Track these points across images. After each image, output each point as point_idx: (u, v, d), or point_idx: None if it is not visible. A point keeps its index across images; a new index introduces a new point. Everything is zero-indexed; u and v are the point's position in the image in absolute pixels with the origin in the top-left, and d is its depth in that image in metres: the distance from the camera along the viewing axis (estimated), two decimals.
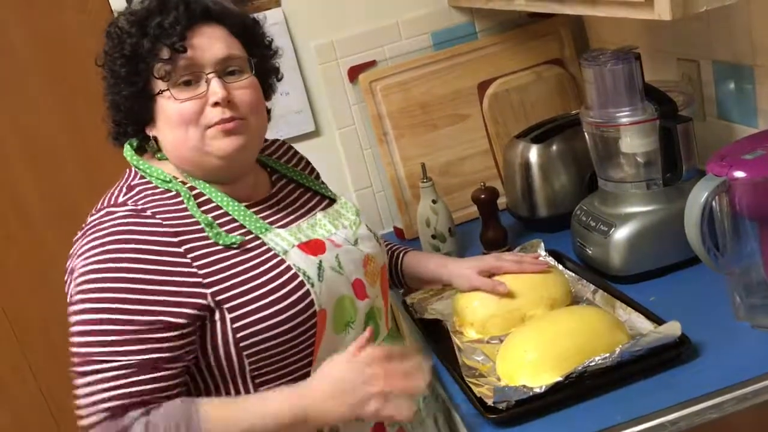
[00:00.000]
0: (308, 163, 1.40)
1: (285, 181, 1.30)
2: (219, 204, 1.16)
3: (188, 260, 1.09)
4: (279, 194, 1.27)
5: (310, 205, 1.28)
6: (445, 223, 1.72)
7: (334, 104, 1.97)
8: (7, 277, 1.91)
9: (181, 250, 1.09)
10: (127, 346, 1.04)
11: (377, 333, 1.23)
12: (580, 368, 1.14)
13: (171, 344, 1.06)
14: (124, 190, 1.15)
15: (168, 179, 1.16)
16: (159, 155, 1.20)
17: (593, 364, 1.14)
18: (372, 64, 1.95)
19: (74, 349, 1.06)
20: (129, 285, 1.05)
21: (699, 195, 1.17)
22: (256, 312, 1.09)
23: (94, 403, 1.04)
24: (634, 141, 1.41)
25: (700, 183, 1.18)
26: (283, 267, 1.12)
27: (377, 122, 1.94)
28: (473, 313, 1.39)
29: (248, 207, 1.19)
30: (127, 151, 1.20)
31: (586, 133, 1.51)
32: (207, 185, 1.17)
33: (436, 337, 1.41)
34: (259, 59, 1.21)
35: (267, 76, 1.25)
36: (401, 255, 1.50)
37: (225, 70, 1.13)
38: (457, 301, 1.43)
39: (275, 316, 1.09)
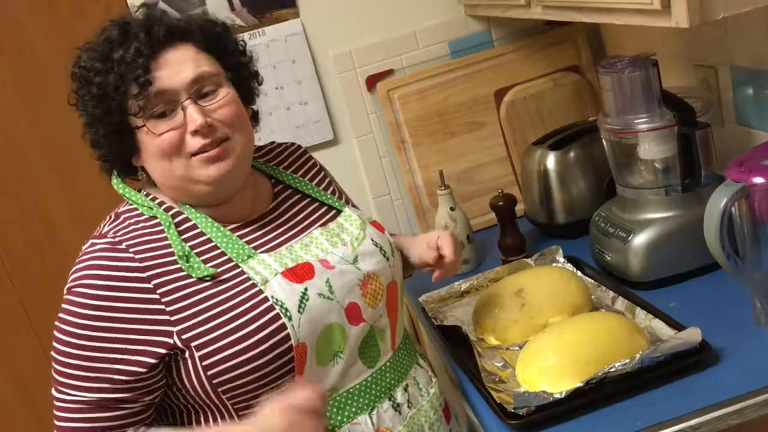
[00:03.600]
0: (321, 169, 1.36)
1: (289, 192, 1.26)
2: (203, 230, 1.13)
3: (157, 296, 1.06)
4: (279, 208, 1.22)
5: (312, 218, 1.23)
6: (464, 230, 1.73)
7: (353, 113, 1.99)
8: (33, 284, 1.93)
9: (150, 285, 1.06)
10: (86, 382, 1.05)
11: (378, 354, 1.18)
12: (600, 374, 1.14)
13: (130, 386, 1.05)
14: (112, 217, 1.15)
15: (151, 206, 1.14)
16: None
17: (613, 370, 1.14)
18: (389, 72, 1.97)
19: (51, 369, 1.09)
20: (93, 327, 1.05)
21: (718, 201, 1.17)
22: (226, 348, 1.05)
23: (57, 427, 1.08)
24: (653, 147, 1.41)
25: (719, 189, 1.18)
26: (258, 299, 1.07)
27: (395, 130, 1.95)
28: (494, 320, 1.39)
29: (241, 227, 1.16)
30: (114, 179, 1.18)
31: (603, 140, 1.51)
32: (194, 210, 1.14)
33: (456, 343, 1.41)
34: (235, 67, 1.16)
35: (247, 81, 1.21)
36: None
37: (200, 92, 1.09)
38: (478, 308, 1.44)
39: (246, 352, 1.05)
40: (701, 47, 1.59)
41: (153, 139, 1.08)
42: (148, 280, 1.07)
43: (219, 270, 1.09)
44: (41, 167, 1.89)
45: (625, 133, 1.44)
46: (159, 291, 1.06)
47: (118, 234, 1.10)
